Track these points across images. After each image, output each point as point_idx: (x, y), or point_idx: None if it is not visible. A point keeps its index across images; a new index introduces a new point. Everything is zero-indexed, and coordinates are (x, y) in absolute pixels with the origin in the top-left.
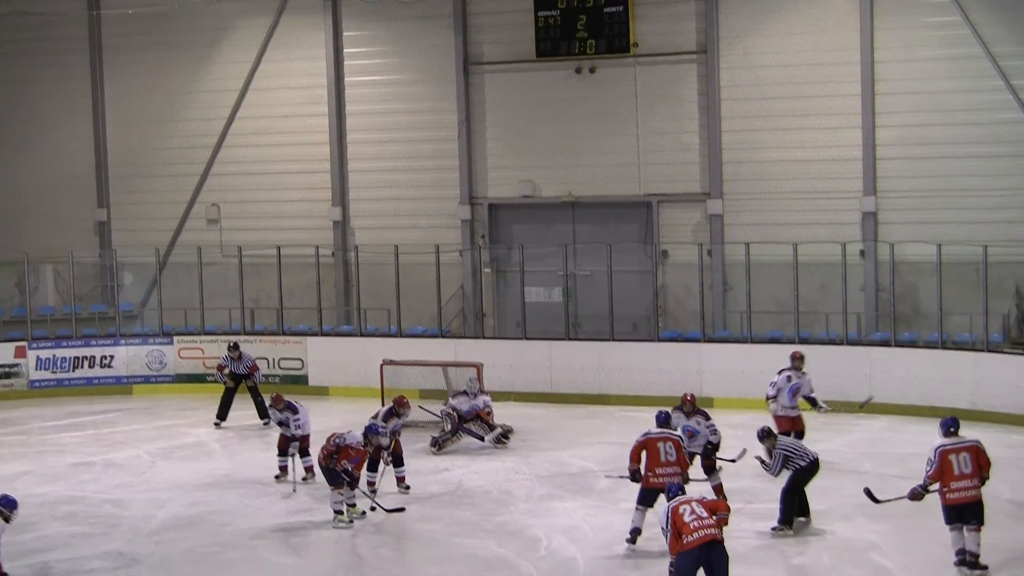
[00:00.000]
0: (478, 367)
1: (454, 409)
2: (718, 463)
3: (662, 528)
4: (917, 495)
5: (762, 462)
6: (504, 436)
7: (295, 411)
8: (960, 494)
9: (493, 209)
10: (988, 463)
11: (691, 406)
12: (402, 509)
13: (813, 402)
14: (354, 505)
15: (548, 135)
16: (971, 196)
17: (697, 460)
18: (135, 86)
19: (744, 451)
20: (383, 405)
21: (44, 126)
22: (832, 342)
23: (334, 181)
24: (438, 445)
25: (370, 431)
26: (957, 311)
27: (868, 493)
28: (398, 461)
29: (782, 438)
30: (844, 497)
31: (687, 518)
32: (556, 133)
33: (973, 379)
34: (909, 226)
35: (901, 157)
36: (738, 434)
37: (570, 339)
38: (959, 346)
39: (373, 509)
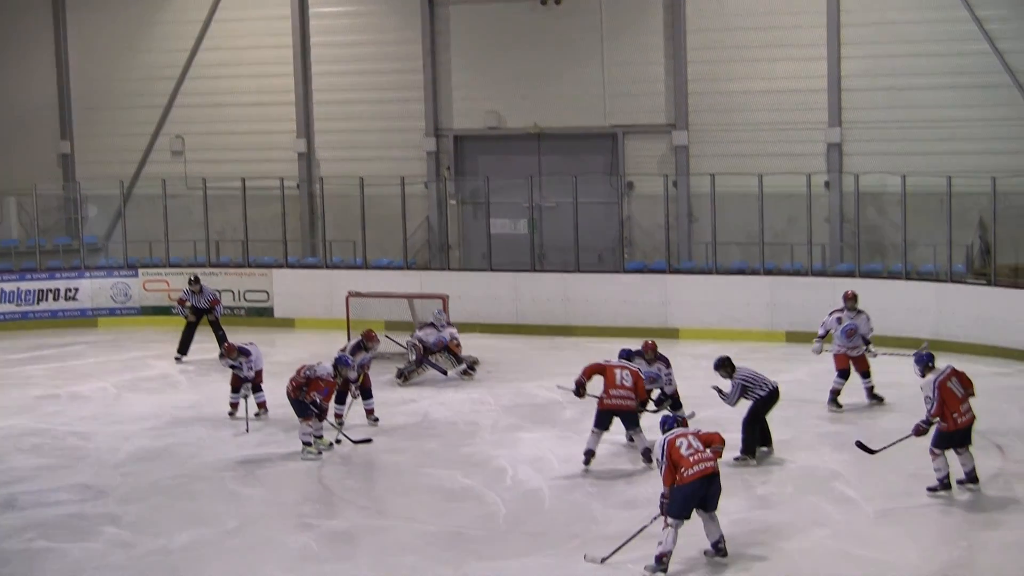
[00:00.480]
0: (444, 299)
1: (420, 341)
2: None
3: (656, 460)
4: (922, 431)
5: (719, 392)
6: (470, 368)
7: (248, 354)
8: (966, 417)
9: (458, 141)
10: (970, 381)
11: (652, 353)
12: (369, 440)
13: (865, 344)
14: (322, 437)
15: (513, 66)
16: (935, 127)
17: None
18: (98, 17)
19: (693, 414)
20: (349, 337)
21: (5, 58)
22: (797, 273)
23: (299, 113)
24: (403, 377)
25: (340, 363)
26: (921, 242)
27: (861, 446)
28: (367, 394)
29: (741, 367)
30: (807, 427)
31: (684, 451)
32: (521, 64)
33: (936, 309)
34: (874, 157)
35: (866, 88)
36: (702, 364)
37: (536, 271)
38: (923, 277)
39: (339, 441)
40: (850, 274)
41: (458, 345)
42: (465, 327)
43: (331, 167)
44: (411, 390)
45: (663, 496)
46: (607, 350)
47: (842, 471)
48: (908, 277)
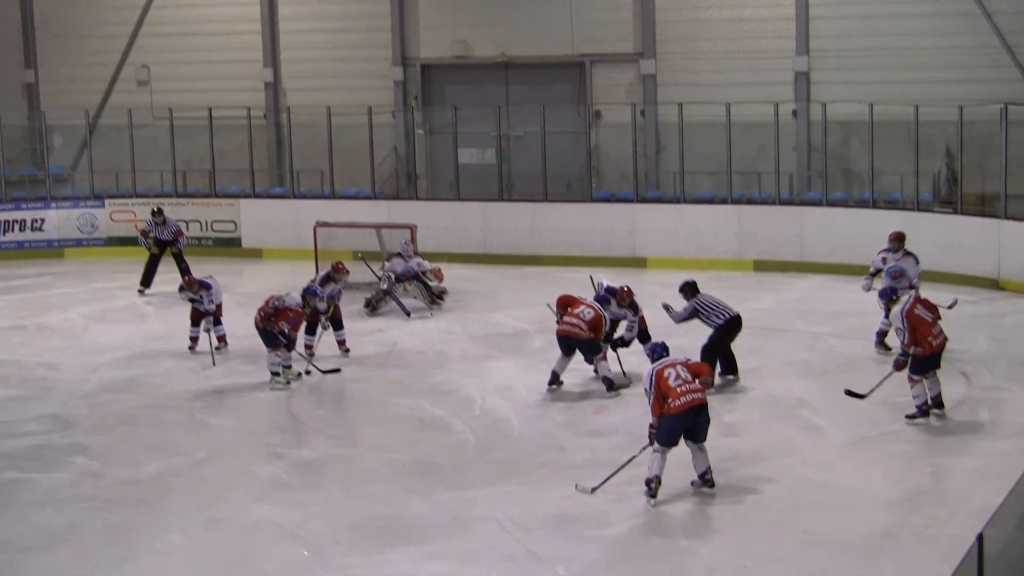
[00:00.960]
0: (412, 228)
1: (391, 272)
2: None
3: (645, 390)
4: (901, 364)
5: (668, 308)
6: (439, 297)
7: (208, 288)
8: (939, 339)
9: (426, 70)
10: (934, 305)
11: (628, 300)
12: (338, 370)
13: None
14: (290, 367)
15: None
16: (903, 55)
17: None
18: None
19: None
20: (317, 267)
21: None
22: (764, 202)
23: (265, 42)
24: (371, 307)
25: (308, 293)
26: (888, 170)
27: (850, 393)
28: (337, 325)
29: (705, 294)
30: (774, 355)
31: (672, 382)
32: None
33: None
34: (841, 86)
35: (833, 17)
36: (670, 294)
37: (504, 200)
38: (890, 205)
39: (308, 372)
40: (817, 203)
41: (438, 271)
42: (433, 257)
43: (298, 97)
44: (379, 320)
45: (651, 426)
46: (575, 279)
47: (809, 399)
48: (875, 206)
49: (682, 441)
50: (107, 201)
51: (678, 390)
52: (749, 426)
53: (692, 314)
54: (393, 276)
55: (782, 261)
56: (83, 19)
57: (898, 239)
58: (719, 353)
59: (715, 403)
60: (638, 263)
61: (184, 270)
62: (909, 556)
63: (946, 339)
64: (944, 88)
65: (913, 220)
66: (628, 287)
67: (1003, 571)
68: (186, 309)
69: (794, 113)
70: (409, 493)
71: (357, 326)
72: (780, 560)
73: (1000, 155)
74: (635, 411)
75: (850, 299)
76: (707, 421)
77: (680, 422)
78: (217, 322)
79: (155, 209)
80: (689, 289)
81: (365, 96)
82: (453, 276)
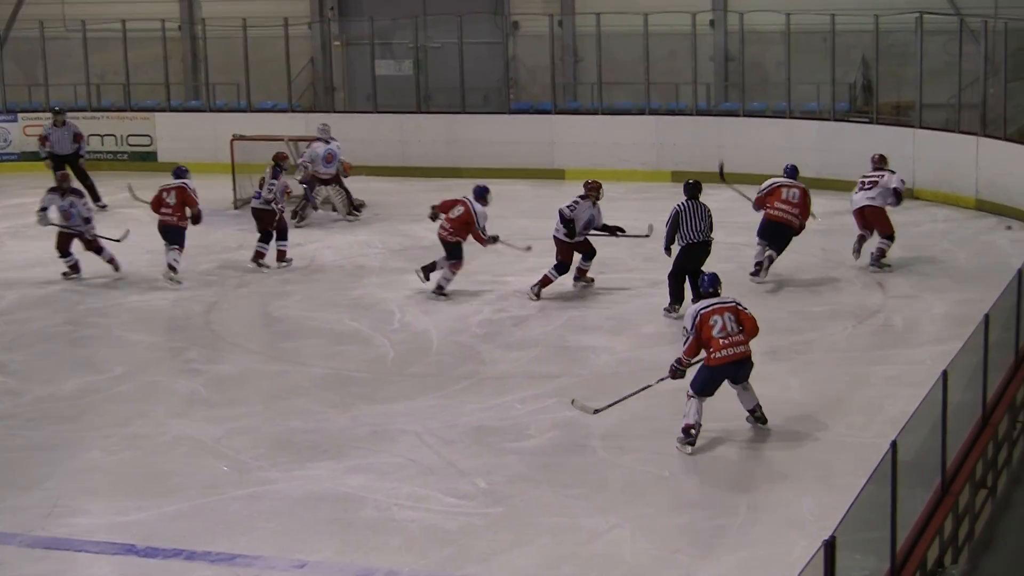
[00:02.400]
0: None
1: (311, 160)
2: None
3: (685, 328)
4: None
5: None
6: (356, 209)
7: (81, 196)
8: (780, 212)
9: None
10: (809, 204)
11: (596, 193)
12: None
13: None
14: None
15: None
16: None
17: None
18: None
19: (651, 226)
20: (234, 180)
21: None
22: (682, 112)
23: None
24: (299, 216)
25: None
26: (805, 80)
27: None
28: (282, 235)
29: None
30: None
31: (716, 332)
32: None
33: (819, 147)
34: None
35: None
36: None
37: (421, 112)
38: (806, 115)
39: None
40: (735, 113)
41: (348, 165)
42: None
43: (213, 8)
44: (298, 233)
45: (677, 362)
46: (493, 191)
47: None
48: (792, 116)
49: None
50: (20, 115)
51: (721, 341)
52: (667, 337)
53: (672, 222)
54: (311, 169)
55: (700, 172)
56: None
57: (879, 161)
58: (681, 281)
59: (631, 315)
60: (556, 175)
61: (90, 187)
62: (826, 464)
63: (788, 223)
64: None
65: (829, 130)
66: (594, 180)
67: (917, 477)
68: (102, 225)
69: (711, 23)
70: (328, 407)
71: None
72: (699, 470)
73: (916, 64)
74: (553, 323)
75: None
76: (749, 368)
77: (721, 373)
78: (99, 250)
79: (55, 109)
80: (691, 188)
81: (281, 7)
82: (371, 189)
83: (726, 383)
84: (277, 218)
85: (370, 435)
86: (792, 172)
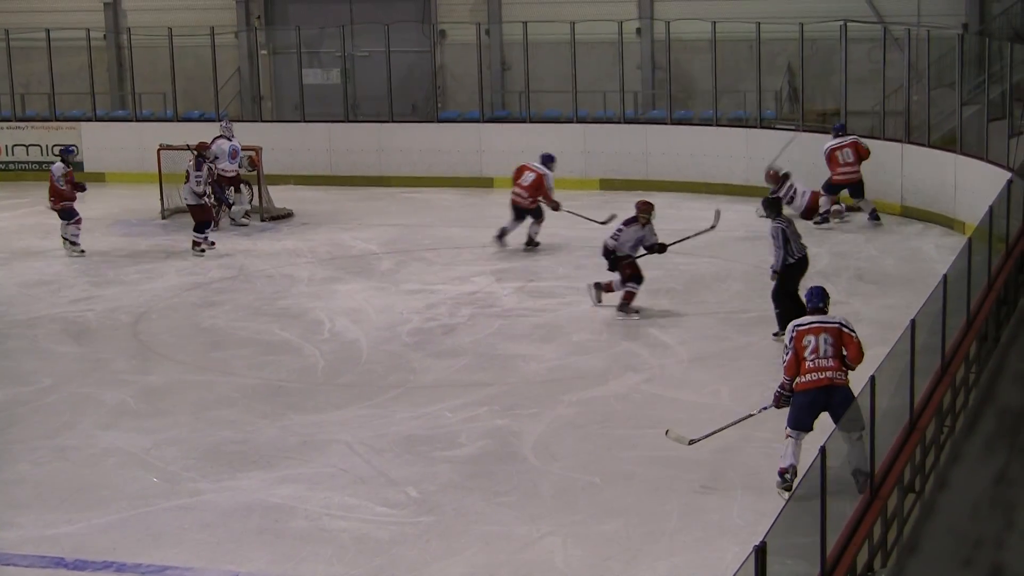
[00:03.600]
0: (257, 150)
1: (216, 159)
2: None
3: (785, 345)
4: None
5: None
6: (280, 218)
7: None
8: (843, 176)
9: None
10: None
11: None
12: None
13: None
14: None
15: None
16: None
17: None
18: None
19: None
20: (161, 190)
21: None
22: (610, 120)
23: None
24: (217, 217)
25: (65, 152)
26: (731, 88)
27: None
28: (199, 226)
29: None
30: None
31: (807, 353)
32: None
33: (746, 155)
34: (684, 4)
35: None
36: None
37: (349, 121)
38: (733, 123)
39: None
40: (662, 121)
41: (252, 158)
42: (279, 179)
43: (138, 17)
44: (226, 243)
45: (780, 387)
46: (422, 200)
47: (656, 317)
48: (719, 123)
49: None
50: None
51: (808, 364)
52: (597, 344)
53: (783, 241)
54: (214, 167)
55: (628, 179)
56: None
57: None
58: (793, 301)
59: (563, 323)
60: (484, 183)
61: None
62: (756, 470)
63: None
64: (785, 5)
65: (756, 137)
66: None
67: (846, 482)
68: (28, 233)
69: (638, 32)
70: (258, 418)
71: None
72: (630, 477)
73: (840, 72)
74: (484, 331)
75: (695, 216)
76: (846, 402)
77: (810, 401)
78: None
79: None
80: (773, 207)
81: (207, 16)
82: (299, 198)
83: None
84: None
85: (300, 445)
86: (840, 129)
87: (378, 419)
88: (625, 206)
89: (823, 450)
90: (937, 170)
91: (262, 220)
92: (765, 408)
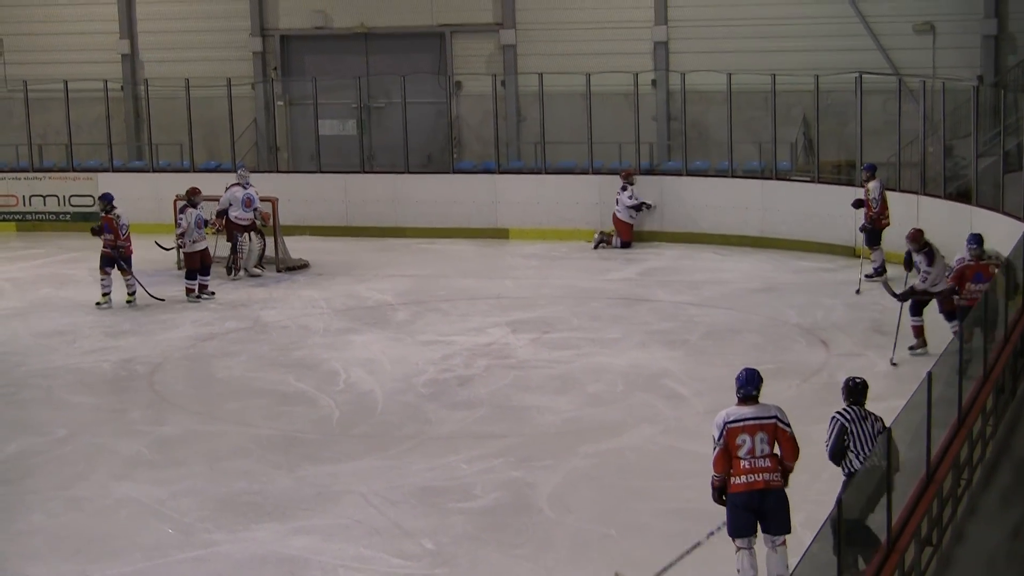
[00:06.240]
0: (273, 201)
1: (229, 204)
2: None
3: (714, 438)
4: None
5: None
6: (294, 269)
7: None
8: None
9: (285, 41)
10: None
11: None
12: (162, 299)
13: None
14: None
15: None
16: (759, 25)
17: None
18: None
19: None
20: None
21: None
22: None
23: (121, 13)
24: (231, 270)
25: (105, 198)
26: (746, 140)
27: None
28: (205, 270)
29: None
30: (637, 325)
31: (742, 452)
32: None
33: (762, 206)
34: (699, 55)
35: None
36: (532, 264)
37: (365, 172)
38: (748, 174)
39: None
40: (677, 172)
41: (267, 215)
42: (294, 229)
43: (156, 69)
44: (241, 292)
45: (712, 484)
46: (437, 251)
47: (672, 368)
48: (734, 175)
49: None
50: None
51: (743, 465)
52: (613, 395)
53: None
54: (225, 216)
55: (643, 231)
56: None
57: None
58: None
59: (579, 374)
60: (500, 234)
61: None
62: None
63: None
64: (800, 57)
65: (772, 188)
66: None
67: (861, 535)
68: (45, 284)
69: (653, 83)
70: (274, 468)
71: (219, 299)
72: (644, 529)
73: (855, 123)
74: (499, 383)
75: (710, 268)
76: (778, 507)
77: (743, 503)
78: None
79: None
80: (857, 391)
81: (224, 67)
82: (315, 249)
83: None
84: (182, 253)
85: (315, 496)
86: (976, 241)
87: (393, 470)
88: (640, 258)
89: (839, 502)
90: (953, 222)
91: (278, 271)
92: (712, 533)
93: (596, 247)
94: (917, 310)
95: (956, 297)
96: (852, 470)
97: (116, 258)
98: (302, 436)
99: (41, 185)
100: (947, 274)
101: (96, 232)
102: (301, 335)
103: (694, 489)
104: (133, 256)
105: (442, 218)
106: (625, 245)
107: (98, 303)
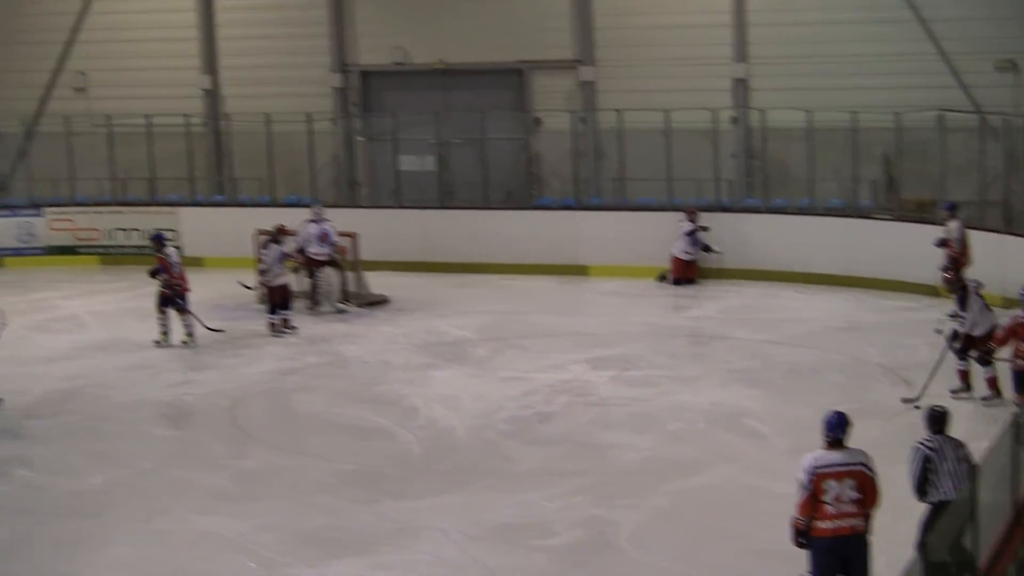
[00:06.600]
0: (353, 236)
1: (306, 241)
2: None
3: (800, 482)
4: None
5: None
6: (375, 304)
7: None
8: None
9: (365, 76)
10: None
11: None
12: (222, 330)
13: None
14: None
15: (419, 1)
16: (840, 62)
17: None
18: None
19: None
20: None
21: None
22: (705, 208)
23: (204, 48)
24: (313, 301)
25: (156, 239)
26: (827, 177)
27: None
28: (286, 305)
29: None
30: (717, 363)
31: (827, 498)
32: None
33: (843, 245)
34: (779, 92)
35: (771, 24)
36: (615, 301)
37: (444, 208)
38: (829, 212)
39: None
40: (757, 210)
41: (344, 248)
42: (374, 265)
43: (237, 104)
44: (321, 328)
45: (796, 528)
46: (517, 287)
47: (753, 407)
48: (815, 212)
49: None
50: (45, 209)
51: (828, 510)
52: (693, 434)
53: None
54: (302, 255)
55: (723, 268)
56: (18, 25)
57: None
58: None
59: (659, 412)
60: (579, 271)
61: None
62: None
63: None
64: (881, 94)
65: (853, 227)
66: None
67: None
68: (128, 317)
69: (733, 120)
70: (354, 503)
71: (300, 334)
72: (724, 568)
73: (937, 161)
74: (579, 420)
75: (791, 306)
76: (862, 551)
77: (828, 548)
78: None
79: None
80: (938, 420)
81: (304, 103)
82: (394, 284)
83: None
84: (269, 289)
85: (395, 532)
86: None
87: (473, 507)
88: (720, 295)
89: (922, 545)
90: None
91: (358, 306)
92: None
93: (659, 280)
94: (962, 355)
95: (1012, 361)
96: (939, 501)
97: (172, 296)
98: (382, 471)
99: (123, 219)
100: (993, 320)
101: (153, 274)
102: (381, 370)
103: (774, 529)
104: (190, 294)
105: (522, 254)
106: (677, 282)
107: (156, 341)
